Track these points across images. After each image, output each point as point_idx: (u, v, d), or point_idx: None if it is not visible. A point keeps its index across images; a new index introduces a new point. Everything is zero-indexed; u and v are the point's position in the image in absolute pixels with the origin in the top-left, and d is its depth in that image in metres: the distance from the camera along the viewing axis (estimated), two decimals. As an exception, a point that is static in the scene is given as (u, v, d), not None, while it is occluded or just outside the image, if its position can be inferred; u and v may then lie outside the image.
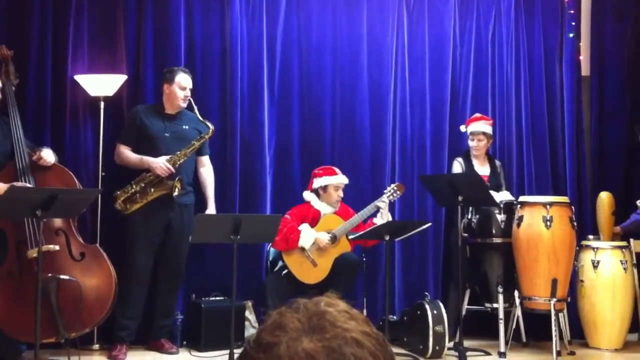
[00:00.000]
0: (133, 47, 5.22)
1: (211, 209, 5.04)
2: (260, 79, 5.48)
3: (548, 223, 4.94)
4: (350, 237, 5.11)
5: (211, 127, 4.90)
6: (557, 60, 6.06)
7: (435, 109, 5.83)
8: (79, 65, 5.03)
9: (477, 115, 5.61)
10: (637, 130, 5.86)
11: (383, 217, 5.10)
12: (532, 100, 5.98)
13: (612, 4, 6.26)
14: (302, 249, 5.02)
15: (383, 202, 5.11)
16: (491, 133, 5.58)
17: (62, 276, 4.31)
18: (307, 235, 5.02)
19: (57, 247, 4.38)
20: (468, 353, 4.84)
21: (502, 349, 4.94)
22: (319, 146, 5.62)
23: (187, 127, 4.96)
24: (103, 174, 4.97)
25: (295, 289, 4.93)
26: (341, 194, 5.21)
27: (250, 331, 5.20)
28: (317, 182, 5.18)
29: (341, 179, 5.21)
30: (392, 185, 5.21)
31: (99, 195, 4.76)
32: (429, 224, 5.15)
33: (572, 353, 5.14)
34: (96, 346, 4.90)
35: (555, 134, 6.02)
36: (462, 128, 5.63)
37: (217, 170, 5.23)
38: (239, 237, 4.31)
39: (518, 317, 5.20)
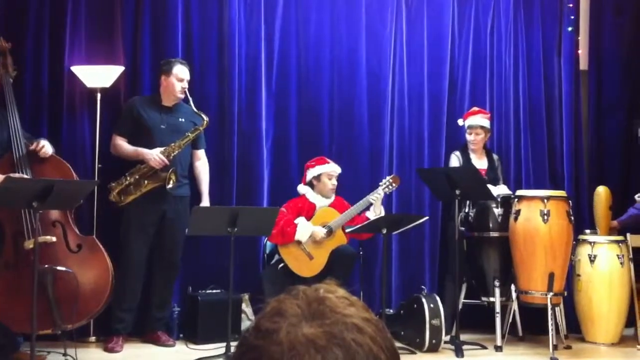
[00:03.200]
0: (130, 38, 5.20)
1: (205, 204, 5.02)
2: (258, 71, 5.46)
3: (545, 217, 4.94)
4: (347, 230, 5.10)
5: (205, 118, 4.88)
6: (556, 54, 6.05)
7: (433, 102, 5.82)
8: (76, 56, 5.01)
9: (475, 109, 5.60)
10: (638, 126, 5.84)
11: (375, 210, 5.09)
12: (530, 93, 5.98)
13: (611, -3, 6.25)
14: (299, 243, 5.02)
15: (378, 195, 5.10)
16: (489, 127, 5.58)
17: (58, 267, 4.30)
18: (304, 229, 5.01)
19: (53, 239, 4.37)
20: (464, 347, 4.84)
21: (499, 343, 4.95)
22: (317, 139, 5.61)
23: (183, 119, 4.94)
24: (100, 165, 4.96)
25: (292, 282, 4.93)
26: (335, 182, 5.20)
27: (246, 324, 5.15)
28: (310, 173, 5.18)
29: (333, 167, 5.21)
30: (388, 178, 5.20)
31: (96, 187, 4.75)
32: (426, 218, 5.16)
33: (569, 347, 5.16)
34: (92, 338, 4.89)
35: (553, 128, 6.01)
36: (460, 122, 5.63)
37: (214, 162, 5.22)
38: (236, 229, 4.31)
39: (514, 311, 5.20)
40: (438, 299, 5.04)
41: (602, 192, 5.62)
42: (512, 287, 5.08)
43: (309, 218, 5.10)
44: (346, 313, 0.83)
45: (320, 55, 5.64)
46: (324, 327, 0.81)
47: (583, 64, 6.18)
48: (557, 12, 6.07)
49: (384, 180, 5.18)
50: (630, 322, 5.43)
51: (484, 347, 5.03)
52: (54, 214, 4.46)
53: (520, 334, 5.37)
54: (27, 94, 4.89)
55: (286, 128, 5.58)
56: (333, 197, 5.23)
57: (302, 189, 5.22)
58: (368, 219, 5.04)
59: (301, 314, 0.83)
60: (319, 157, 5.29)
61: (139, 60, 5.19)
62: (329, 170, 5.18)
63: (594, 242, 5.35)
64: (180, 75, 4.88)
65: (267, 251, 5.28)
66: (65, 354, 4.21)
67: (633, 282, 5.37)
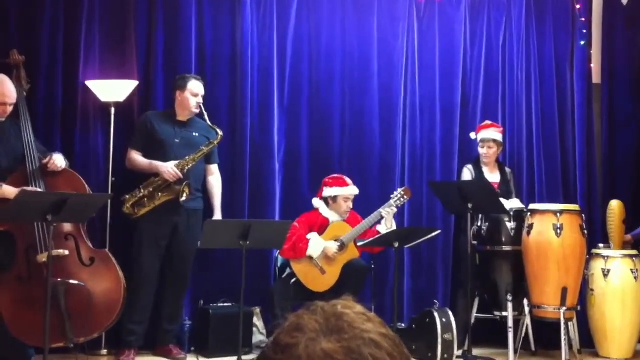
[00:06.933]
0: (144, 53, 5.24)
1: (217, 218, 5.02)
2: (270, 85, 5.49)
3: (558, 231, 4.92)
4: (359, 244, 5.10)
5: (220, 133, 4.91)
6: (568, 67, 6.04)
7: (445, 116, 5.82)
8: (90, 70, 5.05)
9: (488, 122, 5.60)
10: None
11: (387, 224, 5.07)
12: (542, 107, 5.97)
13: (624, 11, 6.24)
14: (311, 258, 5.01)
15: (390, 208, 5.09)
16: (501, 140, 5.57)
17: (71, 281, 4.31)
18: (316, 245, 5.01)
19: (66, 252, 4.38)
20: (477, 361, 4.82)
21: (511, 358, 4.92)
22: (328, 152, 5.62)
23: (197, 134, 4.97)
24: (113, 179, 4.98)
25: (304, 296, 4.93)
26: (351, 205, 5.17)
27: (258, 337, 5.19)
28: (327, 192, 5.16)
29: (351, 190, 5.18)
30: (399, 190, 5.18)
31: (109, 201, 4.77)
32: (439, 231, 5.13)
33: (582, 362, 5.12)
34: (104, 351, 4.89)
35: (566, 141, 6.00)
36: (472, 135, 5.62)
37: (226, 176, 5.24)
38: (247, 242, 4.31)
39: (527, 325, 5.17)
40: (450, 313, 5.02)
41: (615, 206, 5.59)
42: (525, 301, 5.06)
43: (321, 232, 5.09)
44: (364, 328, 0.84)
45: (332, 68, 5.66)
46: (342, 342, 0.81)
47: (596, 78, 6.17)
48: (570, 26, 6.06)
49: (395, 193, 5.17)
50: (644, 337, 5.39)
51: (497, 362, 5.00)
52: (67, 227, 4.48)
53: (533, 348, 5.33)
54: (41, 107, 4.93)
55: (298, 141, 5.59)
56: (347, 216, 5.21)
57: (316, 203, 5.21)
58: (379, 232, 5.03)
59: (319, 329, 0.83)
60: (338, 176, 5.25)
61: (152, 75, 5.22)
62: (347, 193, 5.15)
63: (608, 257, 5.31)
64: (195, 90, 4.91)
65: (279, 265, 5.27)
66: (77, 367, 4.22)
67: (647, 296, 5.33)
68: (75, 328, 4.26)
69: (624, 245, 5.58)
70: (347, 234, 5.09)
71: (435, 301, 5.24)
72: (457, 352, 4.95)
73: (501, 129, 5.62)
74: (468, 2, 5.91)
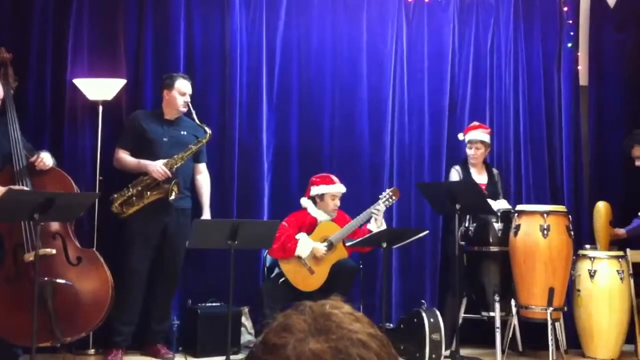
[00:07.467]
0: (133, 51, 5.22)
1: (206, 217, 5.02)
2: (259, 84, 5.49)
3: (545, 232, 4.94)
4: (348, 244, 5.10)
5: (208, 131, 4.90)
6: (556, 69, 6.07)
7: (434, 117, 5.84)
8: (79, 69, 5.03)
9: (475, 123, 5.62)
10: (626, 145, 5.82)
11: (377, 224, 5.09)
12: (530, 109, 6.00)
13: (612, 13, 6.27)
14: (299, 257, 5.02)
15: (379, 208, 5.10)
16: (489, 142, 5.59)
17: (58, 280, 4.30)
18: (305, 245, 5.01)
19: (53, 251, 4.36)
20: (464, 361, 4.84)
21: (499, 358, 4.94)
22: (317, 152, 5.62)
23: (185, 132, 4.97)
24: (101, 177, 4.96)
25: (292, 296, 4.93)
26: (338, 203, 5.19)
27: (246, 337, 5.19)
28: (314, 190, 5.17)
29: (338, 188, 5.19)
30: (387, 191, 5.21)
31: (96, 200, 4.75)
32: (426, 232, 5.14)
33: (568, 362, 5.15)
34: (91, 351, 4.88)
35: (553, 143, 6.03)
36: (460, 136, 5.64)
37: (215, 175, 5.23)
38: (236, 242, 4.31)
39: (514, 326, 5.19)
40: (438, 313, 5.04)
41: (602, 207, 5.62)
42: (512, 301, 5.08)
43: (309, 232, 5.10)
44: (352, 329, 0.84)
45: (321, 69, 5.67)
46: (330, 342, 0.82)
47: (583, 80, 6.20)
48: (557, 29, 6.10)
49: (383, 194, 5.18)
50: (630, 337, 5.42)
51: (484, 362, 5.02)
52: (54, 226, 4.46)
53: (520, 349, 5.36)
54: (29, 105, 4.91)
55: (287, 141, 5.59)
56: (335, 215, 5.22)
57: (304, 202, 5.22)
58: (370, 231, 5.04)
59: (307, 330, 0.84)
60: (325, 174, 5.26)
61: (141, 74, 5.21)
62: (334, 191, 5.16)
63: (594, 257, 5.34)
64: (182, 89, 4.90)
65: (267, 264, 5.27)
66: (64, 367, 4.20)
67: (633, 297, 5.36)
68: (63, 327, 4.24)
69: (613, 239, 5.61)
70: (335, 234, 5.10)
71: (423, 301, 5.27)
72: (445, 352, 4.97)
73: (489, 130, 5.64)
74: (457, 5, 5.94)
